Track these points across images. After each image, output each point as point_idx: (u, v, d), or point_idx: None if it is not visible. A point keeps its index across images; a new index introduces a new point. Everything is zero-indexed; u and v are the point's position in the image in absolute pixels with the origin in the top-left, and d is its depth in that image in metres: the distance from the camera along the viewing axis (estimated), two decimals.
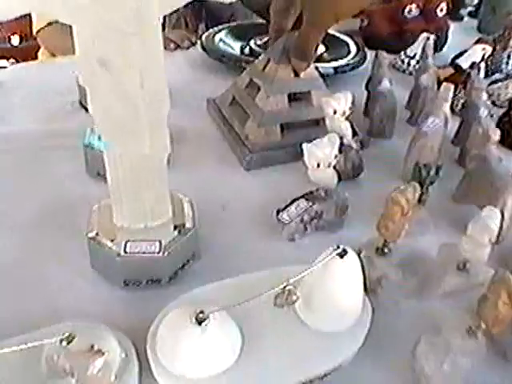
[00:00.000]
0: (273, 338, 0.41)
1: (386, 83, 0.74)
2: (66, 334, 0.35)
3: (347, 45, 1.02)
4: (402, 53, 1.02)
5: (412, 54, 1.00)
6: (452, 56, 1.00)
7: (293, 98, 0.69)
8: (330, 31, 1.07)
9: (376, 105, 0.75)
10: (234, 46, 1.00)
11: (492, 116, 0.70)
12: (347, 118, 0.61)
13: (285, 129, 0.69)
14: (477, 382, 0.42)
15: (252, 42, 1.00)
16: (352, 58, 0.95)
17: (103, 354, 0.36)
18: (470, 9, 1.42)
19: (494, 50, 0.96)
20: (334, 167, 0.54)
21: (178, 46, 1.07)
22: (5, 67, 0.98)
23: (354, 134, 0.66)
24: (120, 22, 0.36)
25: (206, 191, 0.61)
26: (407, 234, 0.48)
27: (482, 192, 0.57)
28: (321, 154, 0.53)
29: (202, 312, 0.37)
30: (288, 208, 0.55)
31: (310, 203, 0.55)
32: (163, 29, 0.40)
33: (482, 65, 0.87)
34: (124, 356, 0.39)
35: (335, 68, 0.90)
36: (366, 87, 0.80)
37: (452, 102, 0.70)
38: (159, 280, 0.48)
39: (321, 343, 0.41)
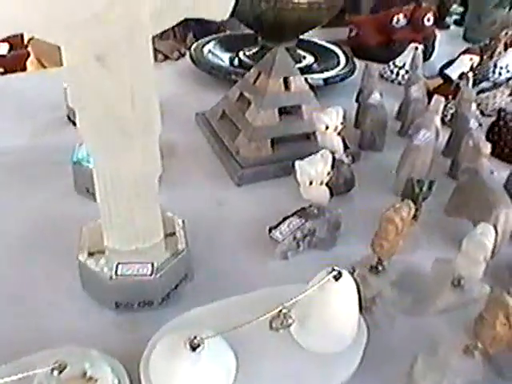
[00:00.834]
0: (268, 362, 0.40)
1: (376, 95, 0.74)
2: (58, 363, 0.34)
3: (336, 55, 1.02)
4: (391, 63, 1.03)
5: (401, 64, 1.01)
6: (440, 65, 1.01)
7: (283, 111, 0.69)
8: (319, 41, 1.08)
9: (367, 117, 0.75)
10: (223, 57, 1.00)
11: (481, 125, 0.70)
12: (339, 134, 0.60)
13: (276, 143, 0.69)
14: None
15: (241, 53, 1.00)
16: (342, 69, 0.95)
17: (96, 381, 0.35)
18: (455, 17, 1.43)
19: (481, 59, 0.97)
20: (327, 184, 0.54)
21: (166, 58, 1.06)
22: None
23: (346, 147, 0.65)
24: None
25: (198, 208, 0.60)
26: (400, 249, 0.48)
27: (473, 205, 0.57)
28: (313, 172, 0.52)
29: (195, 337, 0.36)
30: (280, 226, 0.54)
31: (303, 220, 0.54)
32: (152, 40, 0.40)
33: (470, 74, 0.87)
34: (117, 383, 0.38)
35: (325, 79, 0.90)
36: (357, 99, 0.80)
37: (441, 113, 0.70)
38: (151, 302, 0.47)
39: (317, 366, 0.40)
